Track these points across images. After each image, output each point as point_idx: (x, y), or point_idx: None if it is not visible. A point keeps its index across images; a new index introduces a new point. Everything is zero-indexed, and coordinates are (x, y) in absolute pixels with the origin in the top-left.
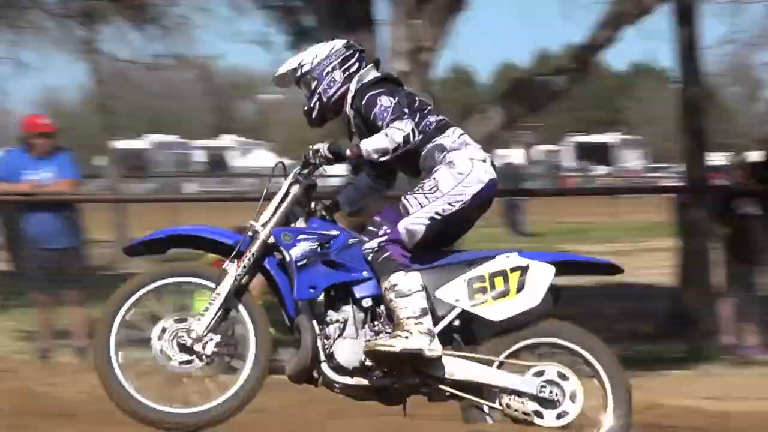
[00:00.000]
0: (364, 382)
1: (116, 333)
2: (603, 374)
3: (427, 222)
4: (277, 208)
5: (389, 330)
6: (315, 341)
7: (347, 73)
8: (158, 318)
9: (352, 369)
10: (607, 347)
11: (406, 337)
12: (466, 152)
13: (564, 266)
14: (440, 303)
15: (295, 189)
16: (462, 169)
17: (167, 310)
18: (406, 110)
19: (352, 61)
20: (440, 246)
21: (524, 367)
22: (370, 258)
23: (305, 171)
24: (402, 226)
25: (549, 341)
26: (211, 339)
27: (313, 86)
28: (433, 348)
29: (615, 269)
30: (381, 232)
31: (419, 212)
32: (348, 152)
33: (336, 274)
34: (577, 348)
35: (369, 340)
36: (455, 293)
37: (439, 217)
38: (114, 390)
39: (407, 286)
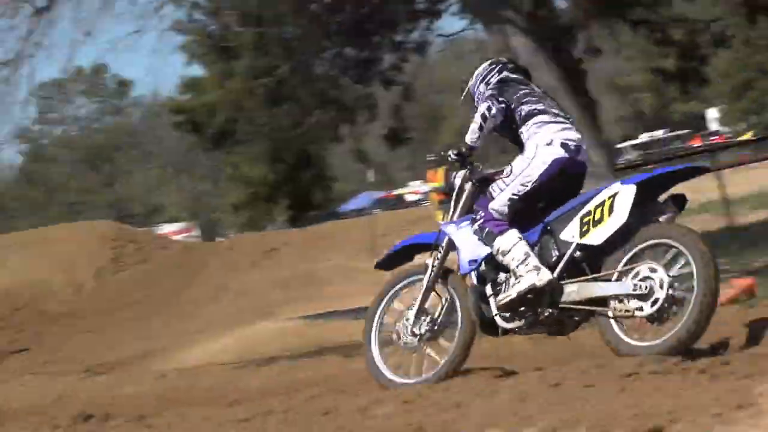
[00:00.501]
0: (521, 323)
1: (378, 322)
2: (692, 261)
3: (508, 203)
4: (455, 206)
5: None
6: (480, 303)
7: (488, 85)
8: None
9: (510, 317)
10: (698, 237)
11: (518, 281)
12: (534, 140)
13: (652, 182)
14: (563, 243)
15: (468, 186)
16: (528, 154)
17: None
18: (493, 95)
19: (493, 72)
20: (548, 207)
21: (623, 274)
22: (478, 238)
23: (466, 171)
24: (491, 208)
25: (650, 243)
26: (423, 320)
27: (475, 102)
28: (541, 278)
29: (700, 170)
30: (478, 217)
31: (501, 195)
32: (462, 149)
33: (483, 249)
34: (672, 242)
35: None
36: (571, 231)
37: (516, 197)
38: (370, 365)
39: (506, 245)
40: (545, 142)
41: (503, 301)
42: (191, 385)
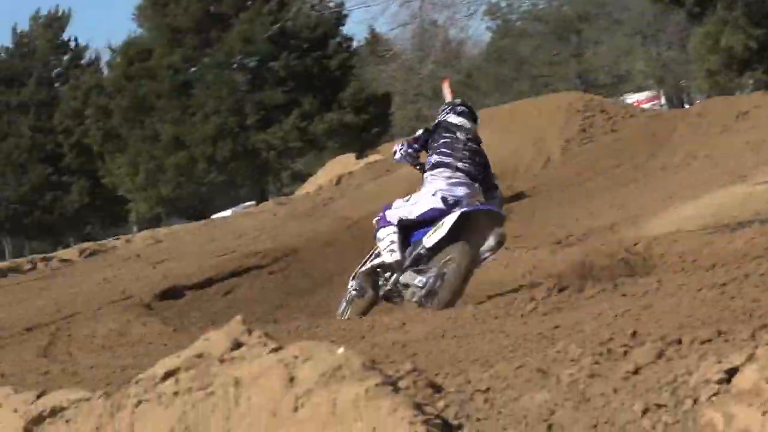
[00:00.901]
0: (372, 292)
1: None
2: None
3: (396, 217)
4: None
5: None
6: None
7: (434, 121)
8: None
9: (365, 285)
10: (465, 248)
11: (376, 257)
12: (426, 186)
13: (477, 214)
14: (421, 244)
15: None
16: (419, 195)
17: None
18: (412, 139)
19: (442, 113)
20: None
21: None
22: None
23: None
24: (386, 211)
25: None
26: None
27: None
28: (391, 258)
29: (495, 215)
30: (377, 216)
31: (395, 210)
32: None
33: None
34: (449, 250)
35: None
36: (427, 236)
37: (402, 218)
38: None
39: (381, 234)
40: (431, 192)
41: (361, 269)
42: (665, 251)
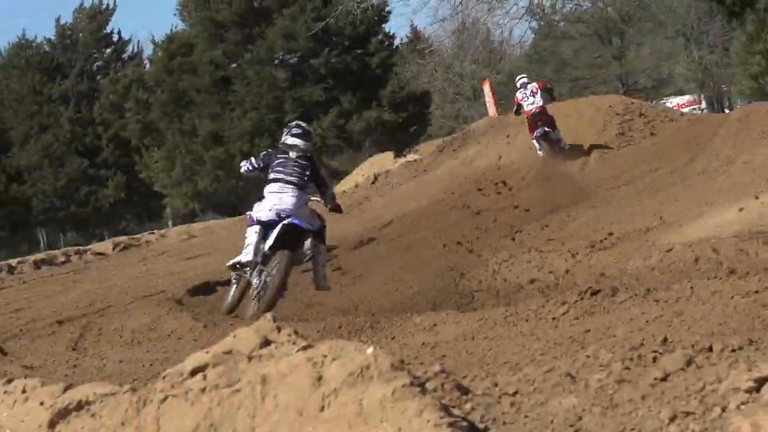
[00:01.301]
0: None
1: None
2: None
3: (255, 217)
4: None
5: None
6: None
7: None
8: None
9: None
10: (285, 257)
11: (238, 255)
12: (266, 201)
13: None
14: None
15: None
16: (258, 205)
17: None
18: (257, 158)
19: (283, 133)
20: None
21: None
22: None
23: None
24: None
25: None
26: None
27: None
28: (245, 258)
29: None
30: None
31: (252, 212)
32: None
33: None
34: (276, 257)
35: None
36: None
37: (254, 219)
38: None
39: (247, 232)
40: (268, 208)
41: (227, 264)
42: (698, 257)
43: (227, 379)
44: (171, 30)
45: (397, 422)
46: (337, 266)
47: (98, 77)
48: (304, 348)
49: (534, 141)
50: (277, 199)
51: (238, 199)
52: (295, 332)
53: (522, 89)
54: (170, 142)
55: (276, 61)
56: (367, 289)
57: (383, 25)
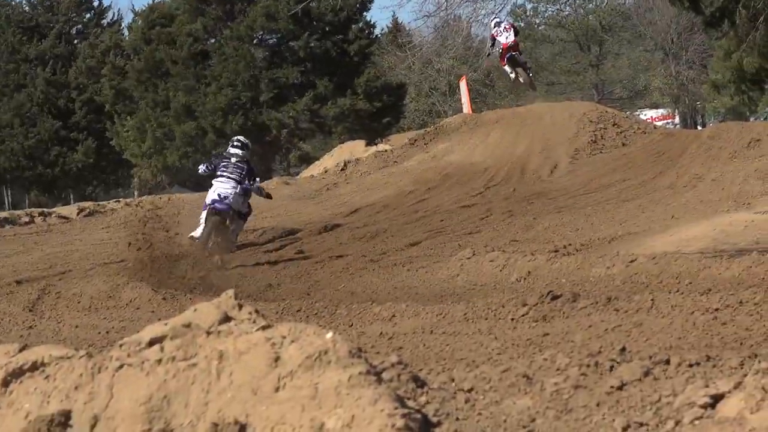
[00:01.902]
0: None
1: None
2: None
3: (205, 203)
4: None
5: None
6: None
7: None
8: None
9: None
10: (213, 219)
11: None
12: (213, 188)
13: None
14: None
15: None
16: (211, 191)
17: None
18: (209, 163)
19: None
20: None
21: None
22: None
23: None
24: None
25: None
26: None
27: None
28: (196, 235)
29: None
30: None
31: (208, 195)
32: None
33: None
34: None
35: None
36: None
37: (205, 203)
38: None
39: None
40: (214, 190)
41: (188, 236)
42: (661, 270)
43: (184, 352)
44: (153, 0)
45: (350, 409)
46: (299, 249)
47: (76, 41)
48: (264, 327)
49: (506, 67)
50: (220, 186)
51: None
52: (256, 311)
53: (497, 27)
54: (143, 113)
55: (255, 40)
56: (325, 275)
57: (364, 14)
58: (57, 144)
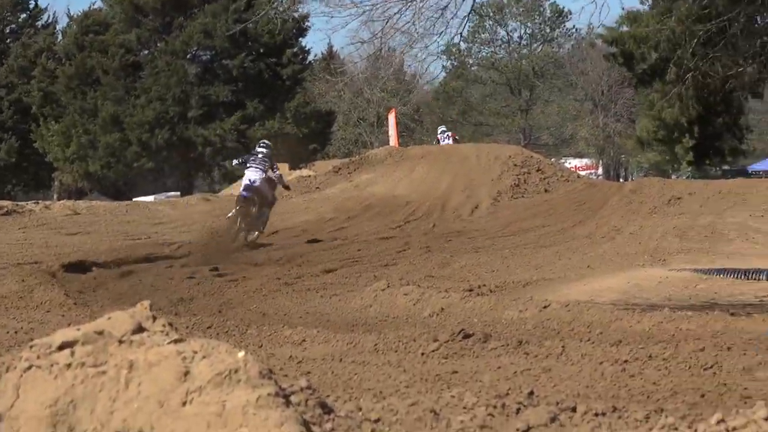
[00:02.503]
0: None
1: None
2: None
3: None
4: None
5: None
6: None
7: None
8: None
9: None
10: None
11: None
12: (244, 177)
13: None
14: None
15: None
16: (244, 179)
17: None
18: (241, 158)
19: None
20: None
21: None
22: None
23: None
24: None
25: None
26: None
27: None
28: (229, 215)
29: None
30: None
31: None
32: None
33: None
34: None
35: None
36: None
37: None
38: None
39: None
40: (247, 178)
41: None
42: (573, 318)
43: (95, 358)
44: (90, 6)
45: (256, 429)
46: (214, 267)
47: (9, 40)
48: (176, 341)
49: None
50: (251, 173)
51: (126, 185)
52: (170, 324)
53: (442, 134)
54: (69, 118)
55: (189, 56)
56: (238, 294)
57: (300, 39)
58: None
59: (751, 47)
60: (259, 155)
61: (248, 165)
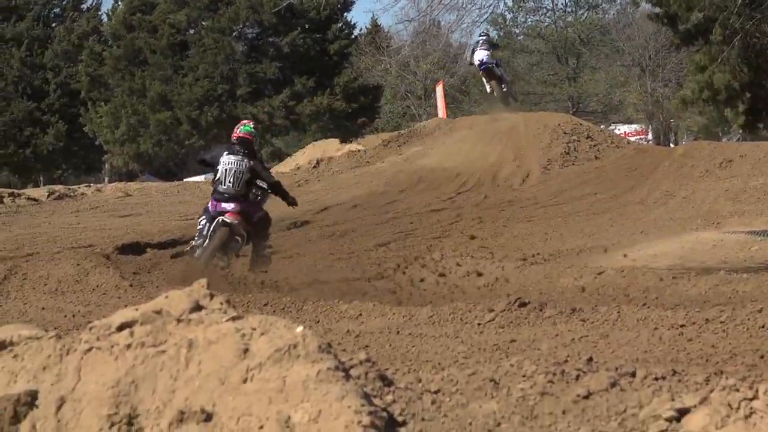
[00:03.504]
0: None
1: None
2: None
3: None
4: None
5: None
6: None
7: None
8: None
9: None
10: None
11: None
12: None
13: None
14: None
15: None
16: None
17: None
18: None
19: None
20: None
21: None
22: None
23: None
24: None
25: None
26: None
27: None
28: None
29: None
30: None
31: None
32: None
33: None
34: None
35: None
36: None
37: None
38: None
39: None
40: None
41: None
42: (629, 284)
43: (154, 338)
44: None
45: (317, 404)
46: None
47: (54, 24)
48: (234, 318)
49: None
50: (223, 202)
51: (177, 166)
52: (227, 301)
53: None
54: (118, 99)
55: (235, 33)
56: (294, 270)
57: (345, 14)
58: (30, 125)
59: None
60: (233, 163)
61: (217, 178)
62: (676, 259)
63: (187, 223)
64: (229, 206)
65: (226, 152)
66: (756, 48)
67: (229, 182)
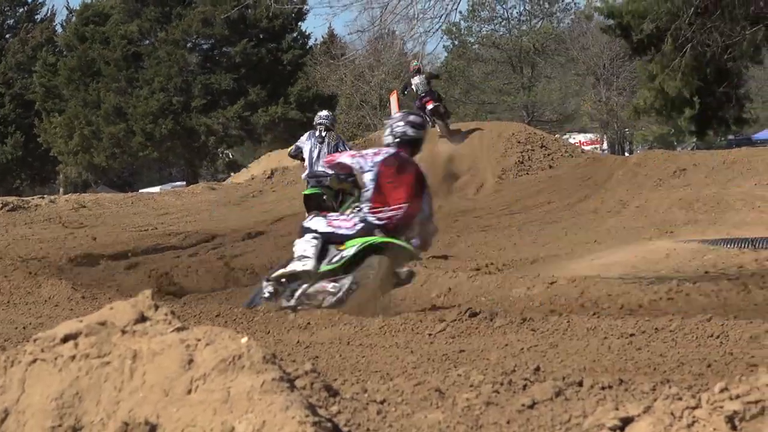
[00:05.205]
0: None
1: None
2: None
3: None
4: None
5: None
6: None
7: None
8: None
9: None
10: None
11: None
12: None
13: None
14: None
15: None
16: None
17: None
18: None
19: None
20: None
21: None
22: None
23: None
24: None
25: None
26: None
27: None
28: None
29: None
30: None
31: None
32: None
33: None
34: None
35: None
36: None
37: None
38: None
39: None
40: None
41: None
42: (581, 293)
43: (98, 349)
44: None
45: (262, 414)
46: (221, 255)
47: (7, 35)
48: (179, 329)
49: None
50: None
51: (131, 176)
52: (172, 312)
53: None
54: (72, 110)
55: (189, 45)
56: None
57: (299, 24)
58: None
59: (747, 14)
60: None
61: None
62: (629, 268)
63: (140, 234)
64: None
65: None
66: (706, 56)
67: None
